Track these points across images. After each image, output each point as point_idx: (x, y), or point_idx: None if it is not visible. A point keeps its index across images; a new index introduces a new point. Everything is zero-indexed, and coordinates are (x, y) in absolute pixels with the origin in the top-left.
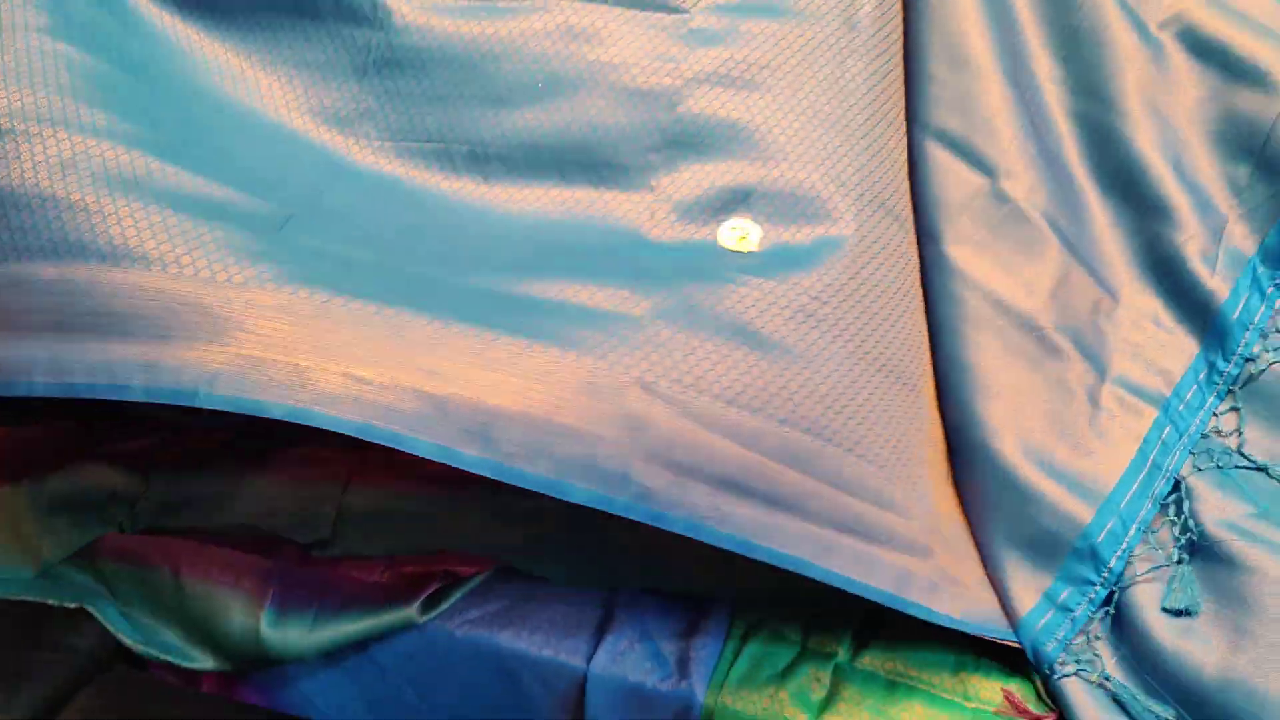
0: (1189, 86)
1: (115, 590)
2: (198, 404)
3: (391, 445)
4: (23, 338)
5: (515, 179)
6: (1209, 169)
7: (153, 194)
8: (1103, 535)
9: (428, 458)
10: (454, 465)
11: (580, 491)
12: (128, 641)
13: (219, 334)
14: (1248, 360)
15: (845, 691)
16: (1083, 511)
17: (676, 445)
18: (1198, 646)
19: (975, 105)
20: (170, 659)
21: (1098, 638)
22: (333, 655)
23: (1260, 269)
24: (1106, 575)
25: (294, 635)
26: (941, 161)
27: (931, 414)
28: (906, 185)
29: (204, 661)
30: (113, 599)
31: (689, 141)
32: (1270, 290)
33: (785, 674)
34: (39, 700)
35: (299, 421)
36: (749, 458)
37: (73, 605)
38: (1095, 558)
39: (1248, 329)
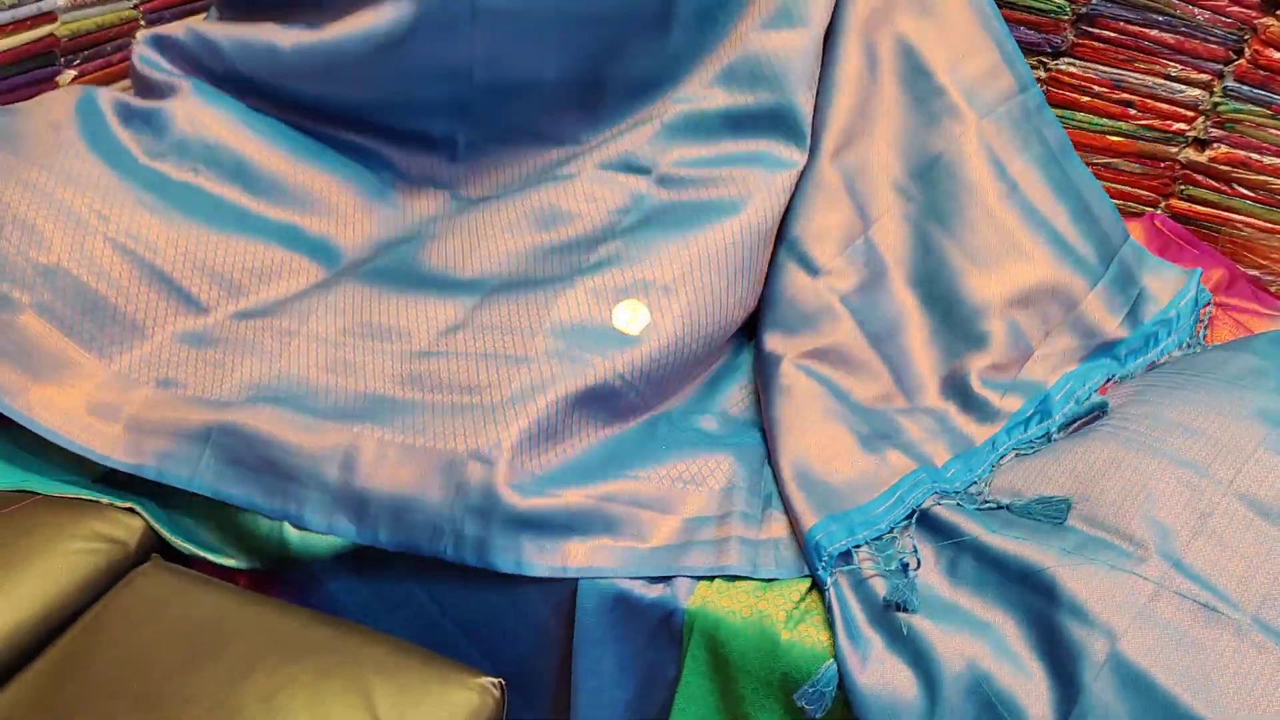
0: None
1: (160, 492)
2: None
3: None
4: None
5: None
6: (1026, 318)
7: None
8: (820, 535)
9: None
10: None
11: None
12: (170, 538)
13: None
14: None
15: (820, 596)
16: (808, 517)
17: None
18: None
19: (816, 215)
20: (208, 555)
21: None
22: (350, 558)
23: (1055, 398)
24: (824, 560)
25: (313, 537)
26: (782, 263)
27: None
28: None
29: (237, 559)
30: (157, 500)
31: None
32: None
33: (767, 581)
34: (75, 588)
35: None
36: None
37: (123, 505)
38: (817, 548)
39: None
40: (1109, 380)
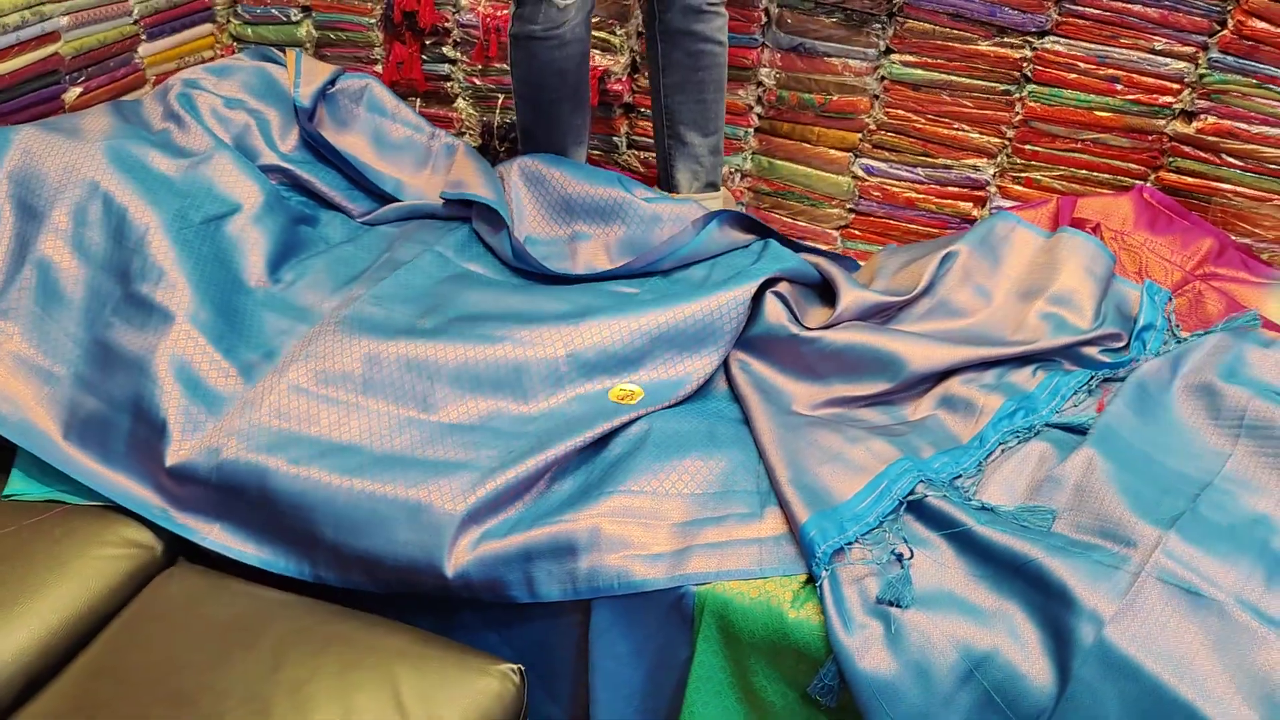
0: None
1: None
2: None
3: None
4: None
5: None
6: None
7: None
8: (814, 532)
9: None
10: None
11: None
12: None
13: None
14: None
15: None
16: (801, 513)
17: None
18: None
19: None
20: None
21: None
22: None
23: (1039, 396)
24: (818, 557)
25: None
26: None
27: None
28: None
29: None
30: None
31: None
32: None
33: None
34: (107, 592)
35: None
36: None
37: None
38: (811, 545)
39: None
40: (1091, 379)
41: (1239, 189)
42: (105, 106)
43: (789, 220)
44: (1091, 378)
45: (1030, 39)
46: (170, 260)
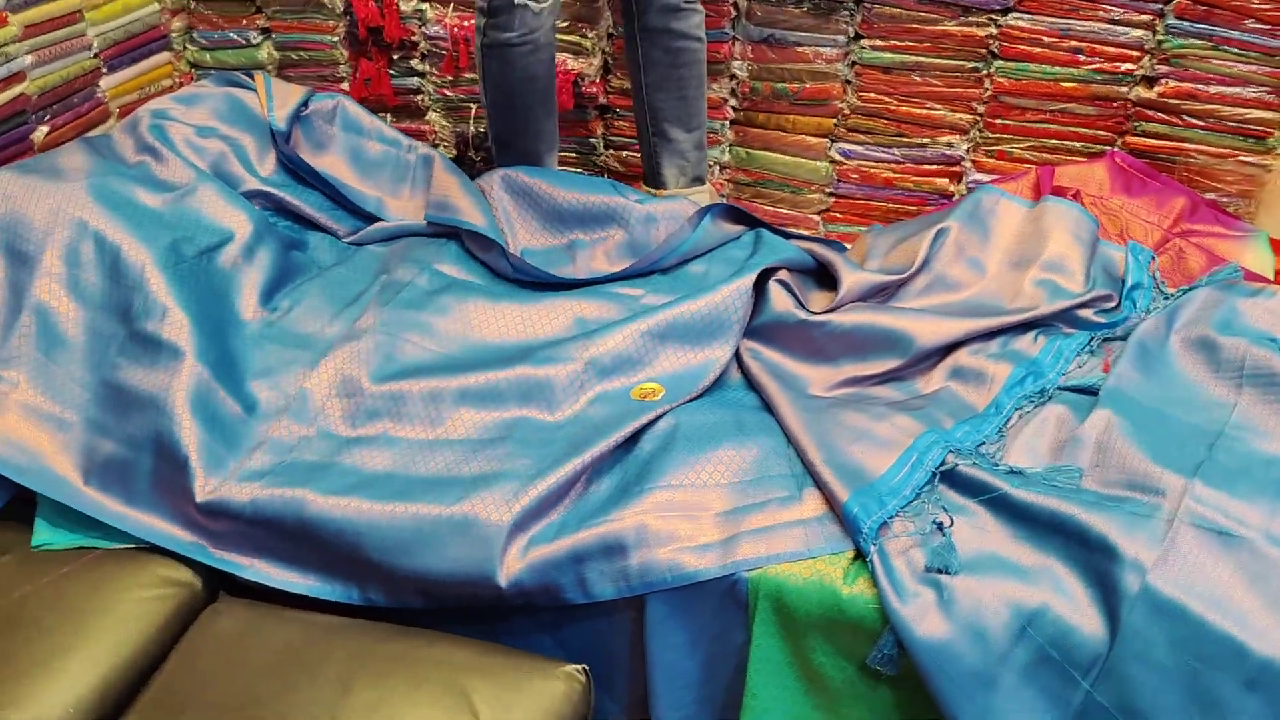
0: None
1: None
2: None
3: None
4: None
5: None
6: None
7: None
8: (856, 509)
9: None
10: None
11: None
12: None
13: None
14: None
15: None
16: (840, 492)
17: None
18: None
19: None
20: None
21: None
22: None
23: (1044, 360)
24: (865, 533)
25: None
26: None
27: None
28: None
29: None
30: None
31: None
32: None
33: None
34: (154, 632)
35: None
36: None
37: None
38: (855, 522)
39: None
40: (1091, 340)
41: (1202, 148)
42: (78, 144)
43: (770, 208)
44: (1091, 339)
45: (994, 17)
46: (170, 297)
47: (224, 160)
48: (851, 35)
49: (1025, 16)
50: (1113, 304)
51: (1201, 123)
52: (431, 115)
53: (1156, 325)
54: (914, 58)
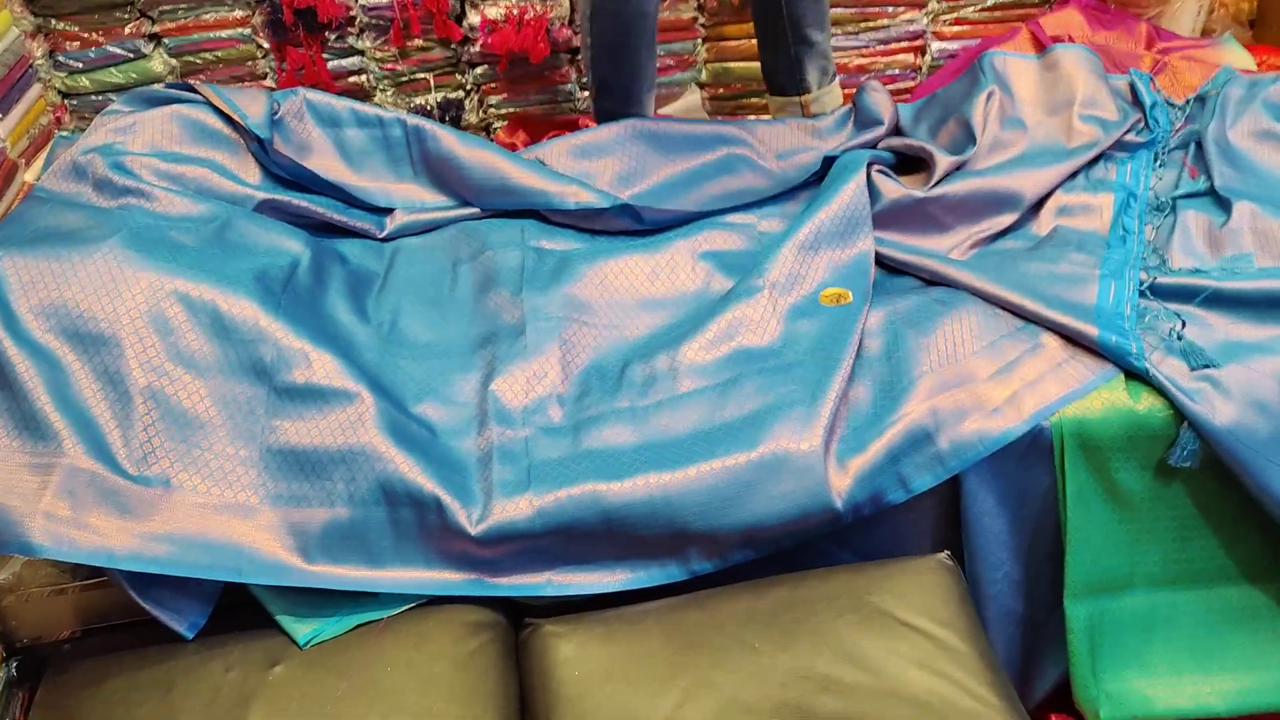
0: None
1: None
2: None
3: None
4: None
5: None
6: None
7: None
8: (1112, 340)
9: None
10: None
11: None
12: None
13: None
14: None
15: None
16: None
17: None
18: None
19: None
20: None
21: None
22: None
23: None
24: (1136, 354)
25: None
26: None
27: None
28: None
29: None
30: None
31: None
32: None
33: None
34: (505, 679)
35: None
36: None
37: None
38: (1119, 348)
39: None
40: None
41: None
42: (34, 202)
43: (755, 118)
44: (1155, 155)
45: None
46: (301, 339)
47: (208, 182)
48: None
49: None
50: (1142, 124)
51: None
52: (379, 95)
53: (1216, 127)
54: None
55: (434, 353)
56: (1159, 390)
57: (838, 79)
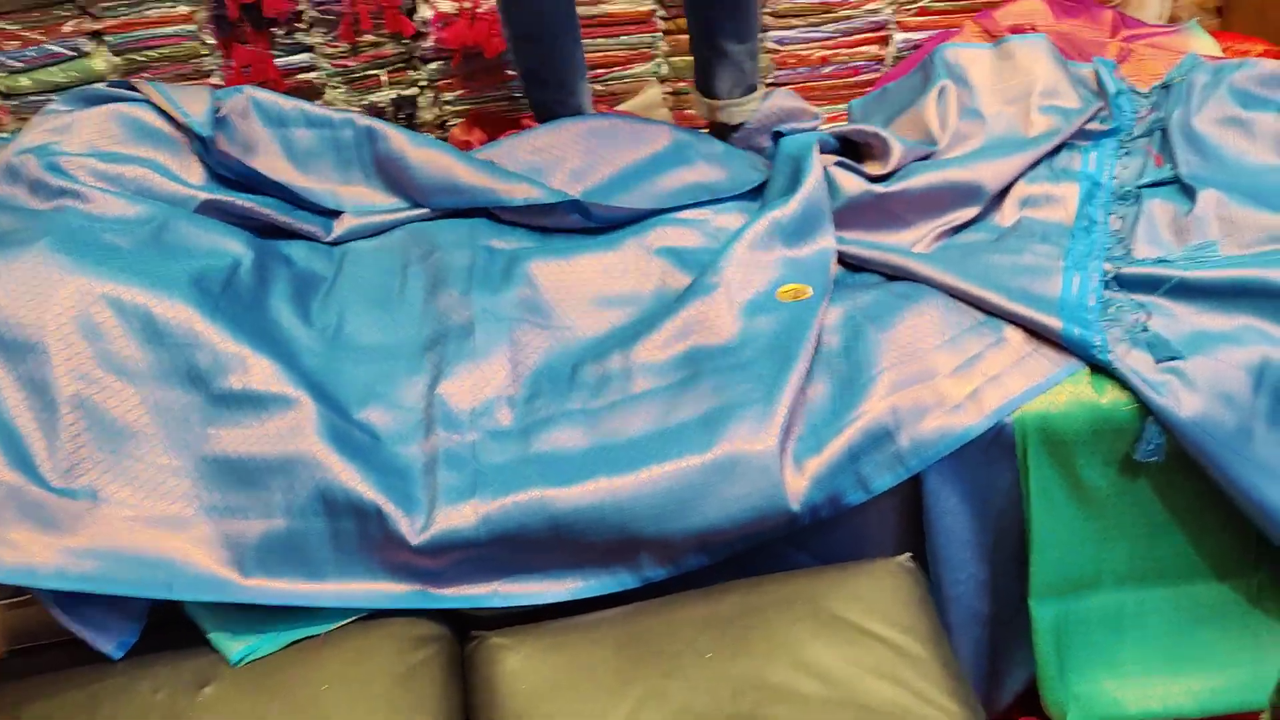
0: None
1: None
2: None
3: None
4: None
5: None
6: None
7: None
8: (1075, 332)
9: None
10: None
11: None
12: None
13: None
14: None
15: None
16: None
17: None
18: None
19: None
20: None
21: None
22: None
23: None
24: (1099, 346)
25: None
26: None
27: None
28: None
29: None
30: None
31: None
32: None
33: None
34: (449, 694)
35: None
36: None
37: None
38: (1082, 341)
39: None
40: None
41: None
42: None
43: None
44: (1119, 143)
45: None
46: (238, 342)
47: (147, 182)
48: None
49: None
50: (1106, 113)
51: None
52: (330, 93)
53: (1181, 115)
54: None
55: (380, 355)
56: (1124, 383)
57: (758, 94)
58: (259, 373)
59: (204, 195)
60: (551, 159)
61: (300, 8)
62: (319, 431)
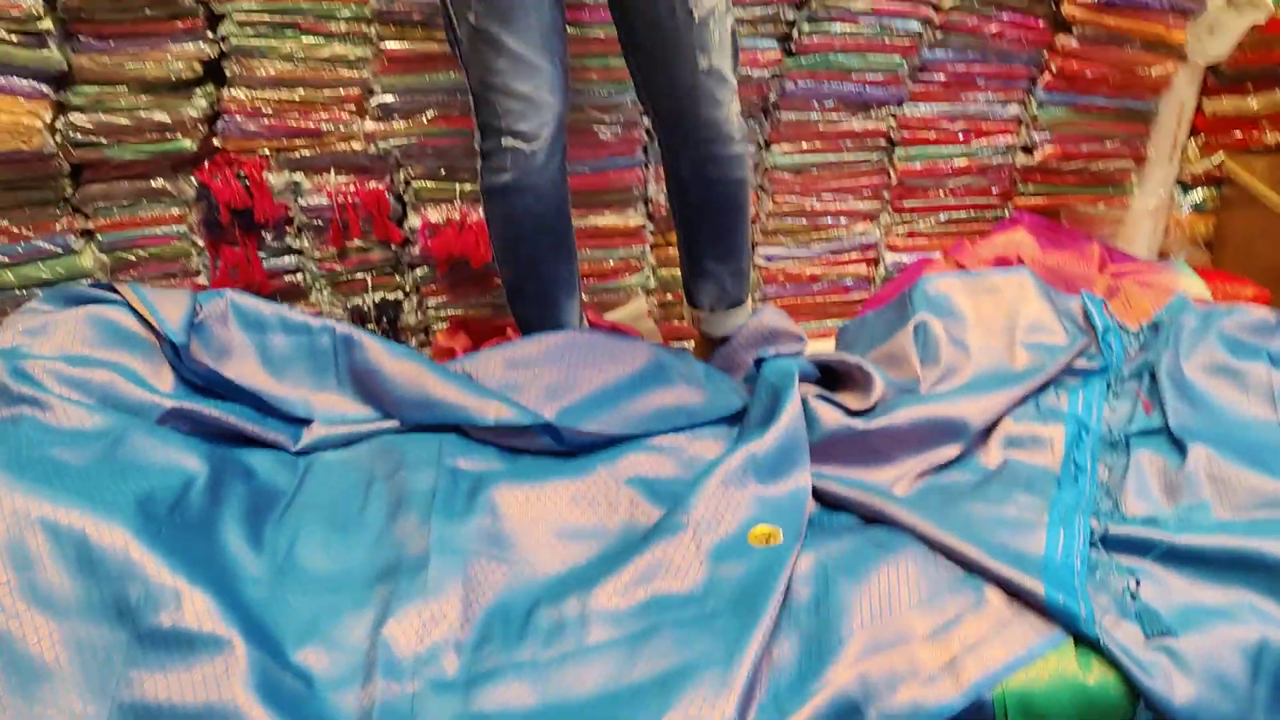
0: None
1: None
2: None
3: None
4: None
5: None
6: None
7: None
8: (1060, 599)
9: None
10: None
11: None
12: None
13: None
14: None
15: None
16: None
17: None
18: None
19: None
20: None
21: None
22: None
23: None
24: (1086, 619)
25: None
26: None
27: None
28: None
29: None
30: None
31: None
32: None
33: None
34: None
35: None
36: None
37: None
38: (1067, 611)
39: None
40: (1108, 387)
41: (1080, 199)
42: None
43: None
44: (1108, 385)
45: (893, 110)
46: (174, 575)
47: (114, 388)
48: (763, 143)
49: (919, 106)
50: (1094, 349)
51: (1077, 177)
52: (315, 295)
53: (1170, 360)
54: (822, 156)
55: (329, 586)
56: (1111, 661)
57: (745, 308)
58: (192, 609)
59: (170, 403)
60: (528, 375)
61: (290, 213)
62: (246, 681)
